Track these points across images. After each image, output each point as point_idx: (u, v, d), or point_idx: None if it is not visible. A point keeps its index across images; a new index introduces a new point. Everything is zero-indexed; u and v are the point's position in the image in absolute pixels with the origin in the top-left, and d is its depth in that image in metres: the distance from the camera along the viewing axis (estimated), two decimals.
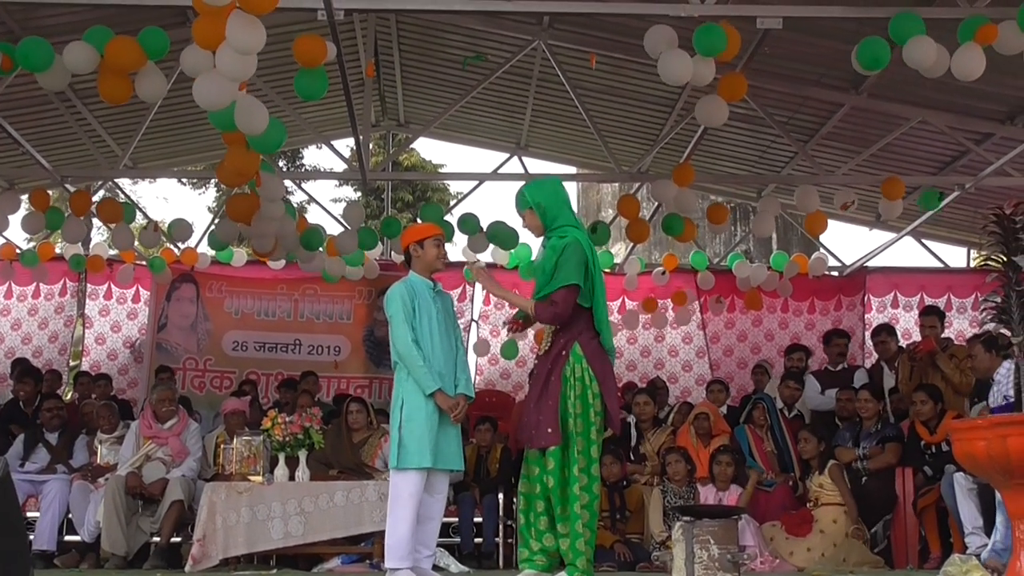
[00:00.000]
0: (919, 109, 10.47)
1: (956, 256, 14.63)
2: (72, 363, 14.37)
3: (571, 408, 6.17)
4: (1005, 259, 5.06)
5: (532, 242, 11.38)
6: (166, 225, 12.69)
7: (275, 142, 7.84)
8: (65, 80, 7.75)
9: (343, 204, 17.07)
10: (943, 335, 10.44)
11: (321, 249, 11.31)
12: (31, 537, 9.22)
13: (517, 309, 6.73)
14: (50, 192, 11.52)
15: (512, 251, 12.44)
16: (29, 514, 9.48)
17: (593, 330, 6.31)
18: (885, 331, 10.83)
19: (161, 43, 7.35)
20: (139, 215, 14.78)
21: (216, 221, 11.81)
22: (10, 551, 4.38)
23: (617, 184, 19.23)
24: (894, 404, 9.67)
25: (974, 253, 14.09)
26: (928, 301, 13.36)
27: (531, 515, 6.30)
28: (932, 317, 10.29)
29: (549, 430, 6.16)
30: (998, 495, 5.75)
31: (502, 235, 11.52)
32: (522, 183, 6.91)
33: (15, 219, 11.12)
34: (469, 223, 11.61)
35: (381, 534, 7.05)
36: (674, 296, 13.34)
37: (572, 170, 15.11)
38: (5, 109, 10.25)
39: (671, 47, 7.62)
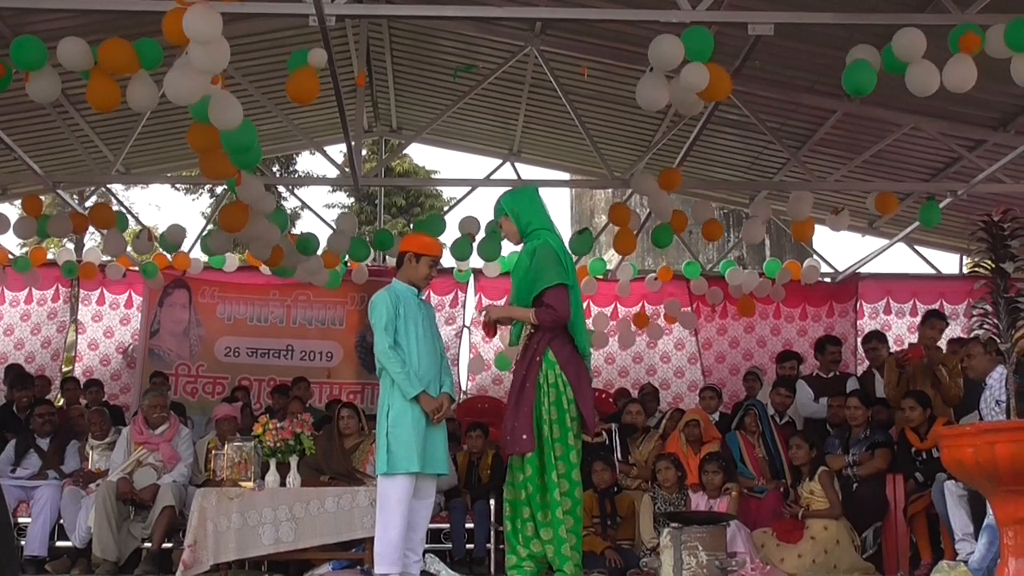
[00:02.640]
0: (911, 116, 10.48)
1: (949, 263, 14.66)
2: (65, 369, 14.35)
3: (546, 415, 6.18)
4: (993, 265, 5.05)
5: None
6: (159, 232, 12.66)
7: (248, 147, 7.81)
8: (55, 90, 7.72)
9: (336, 210, 17.10)
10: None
11: (319, 252, 11.39)
12: (23, 543, 9.25)
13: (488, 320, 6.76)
14: (43, 198, 11.51)
15: (502, 258, 12.50)
16: (20, 520, 9.49)
17: (567, 334, 6.32)
18: (876, 338, 10.80)
19: (155, 54, 7.33)
20: (132, 221, 14.79)
21: (209, 228, 11.72)
22: None
23: (610, 191, 19.20)
24: (873, 415, 9.56)
25: (967, 259, 14.10)
26: (921, 307, 13.38)
27: (518, 521, 6.31)
28: (941, 322, 10.18)
29: (524, 436, 6.19)
30: (989, 508, 5.75)
31: (492, 250, 11.66)
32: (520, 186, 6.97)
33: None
34: (462, 248, 11.71)
35: (372, 540, 7.05)
36: (667, 304, 13.36)
37: (565, 176, 15.12)
38: None
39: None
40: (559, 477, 6.16)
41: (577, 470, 6.24)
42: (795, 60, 9.80)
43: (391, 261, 13.22)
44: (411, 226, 12.83)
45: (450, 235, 12.00)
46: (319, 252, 11.42)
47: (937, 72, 7.26)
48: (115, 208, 12.30)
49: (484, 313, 6.90)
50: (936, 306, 13.38)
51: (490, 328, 6.77)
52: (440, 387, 6.79)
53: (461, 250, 11.83)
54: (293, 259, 11.06)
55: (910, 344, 11.12)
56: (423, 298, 7.03)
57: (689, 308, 13.54)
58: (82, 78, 7.56)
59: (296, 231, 12.28)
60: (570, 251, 7.64)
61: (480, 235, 11.72)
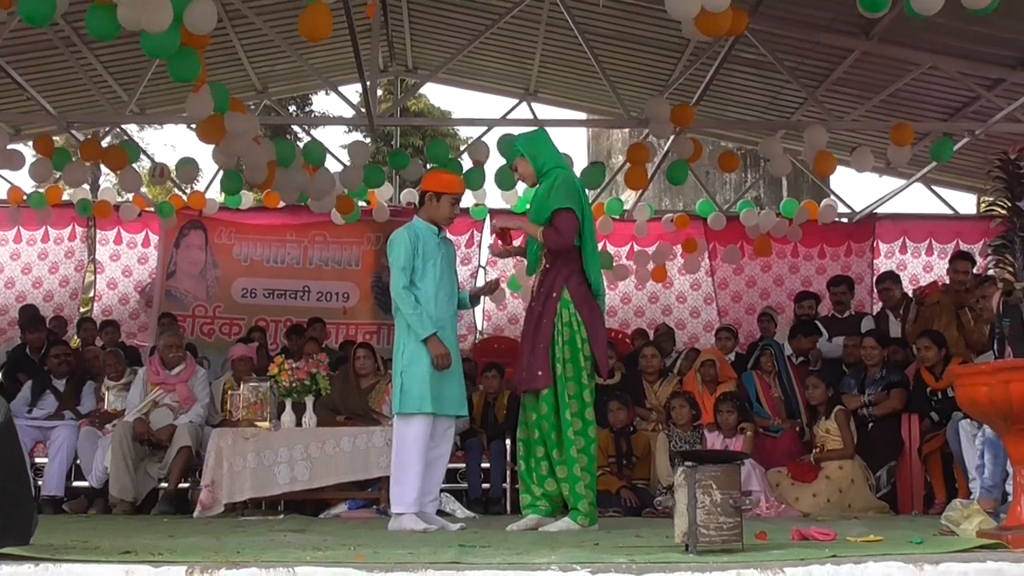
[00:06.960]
0: (929, 55, 10.36)
1: (965, 202, 14.62)
2: (83, 309, 14.39)
3: (559, 353, 6.20)
4: (1010, 204, 5.00)
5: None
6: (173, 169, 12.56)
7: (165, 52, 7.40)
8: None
9: None
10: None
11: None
12: (39, 483, 9.30)
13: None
14: (56, 138, 11.47)
15: (520, 196, 12.44)
16: (37, 460, 9.54)
17: (582, 272, 6.33)
18: (889, 278, 10.74)
19: None
20: (145, 160, 14.72)
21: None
22: (14, 497, 4.39)
23: (627, 131, 19.11)
24: (888, 355, 9.51)
25: (983, 199, 14.03)
26: (937, 247, 13.40)
27: (531, 461, 6.33)
28: (965, 262, 10.04)
29: (539, 373, 6.21)
30: (986, 428, 5.77)
31: (508, 181, 11.51)
32: (529, 129, 6.93)
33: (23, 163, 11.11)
34: (475, 177, 11.59)
35: (388, 480, 7.07)
36: (684, 243, 13.36)
37: (581, 116, 15.04)
38: (9, 54, 10.21)
39: None
40: (572, 416, 6.17)
41: (591, 409, 6.25)
42: None
43: (406, 198, 13.19)
44: (427, 166, 12.59)
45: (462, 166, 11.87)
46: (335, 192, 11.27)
47: None
48: (125, 140, 12.24)
49: (496, 223, 6.93)
50: (952, 245, 13.36)
51: (504, 235, 6.78)
52: (454, 330, 6.79)
53: (473, 180, 11.67)
54: (289, 182, 10.62)
55: (930, 282, 11.05)
56: (443, 236, 6.98)
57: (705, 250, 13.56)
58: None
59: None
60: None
61: (491, 163, 11.54)
